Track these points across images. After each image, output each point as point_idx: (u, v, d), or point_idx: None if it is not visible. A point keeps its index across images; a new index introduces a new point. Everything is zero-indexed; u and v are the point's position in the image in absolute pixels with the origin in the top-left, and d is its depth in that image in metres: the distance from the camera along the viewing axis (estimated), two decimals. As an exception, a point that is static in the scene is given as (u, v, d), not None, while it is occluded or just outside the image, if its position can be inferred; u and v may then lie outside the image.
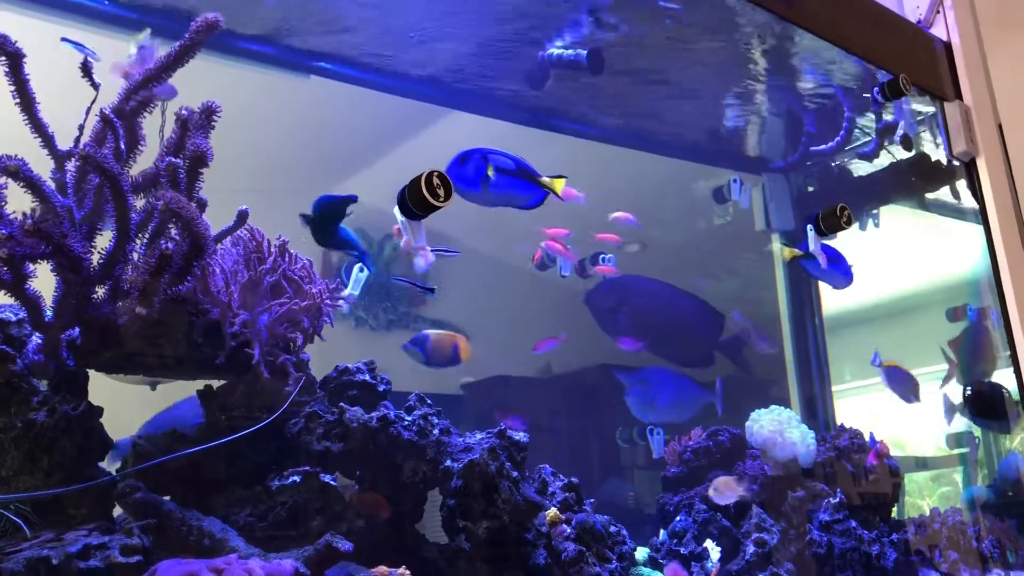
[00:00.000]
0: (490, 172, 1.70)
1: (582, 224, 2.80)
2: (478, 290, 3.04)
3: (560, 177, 1.81)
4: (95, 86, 1.38)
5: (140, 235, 1.42)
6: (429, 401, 1.79)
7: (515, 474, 1.71)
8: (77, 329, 1.39)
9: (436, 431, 1.72)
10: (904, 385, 2.58)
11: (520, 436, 1.78)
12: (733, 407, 2.59)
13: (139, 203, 1.43)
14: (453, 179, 1.37)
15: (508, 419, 2.49)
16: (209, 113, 1.37)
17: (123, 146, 1.37)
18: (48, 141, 1.37)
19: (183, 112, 1.38)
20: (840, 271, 2.24)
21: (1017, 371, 2.31)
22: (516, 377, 3.05)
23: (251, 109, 2.16)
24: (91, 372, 1.44)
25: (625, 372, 2.50)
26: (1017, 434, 2.78)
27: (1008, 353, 2.34)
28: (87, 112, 1.40)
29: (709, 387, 2.60)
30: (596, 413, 3.08)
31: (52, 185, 1.34)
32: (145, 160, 1.45)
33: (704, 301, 2.86)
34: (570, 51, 2.35)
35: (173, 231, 1.42)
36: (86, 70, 1.36)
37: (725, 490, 1.68)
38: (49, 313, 1.36)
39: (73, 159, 1.37)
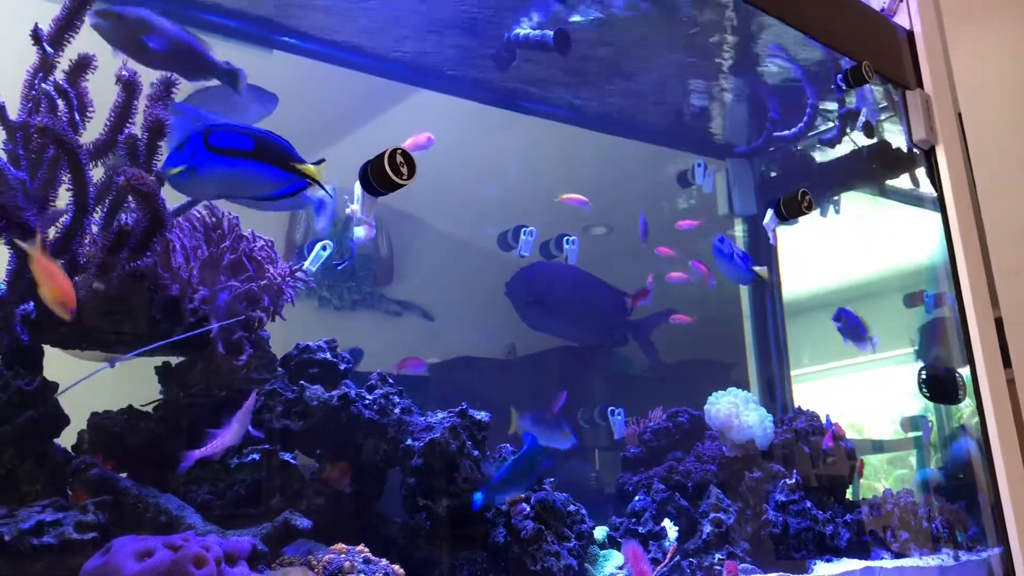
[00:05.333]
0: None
1: (548, 207, 2.81)
2: (443, 270, 3.04)
3: (320, 162, 1.43)
4: (46, 53, 1.35)
5: (97, 207, 1.40)
6: (391, 380, 1.79)
7: (476, 453, 1.72)
8: (32, 303, 1.37)
9: (397, 410, 1.73)
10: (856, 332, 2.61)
11: (481, 415, 1.78)
12: (694, 390, 2.61)
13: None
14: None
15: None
16: (168, 85, 1.35)
17: (77, 116, 1.35)
18: (0, 111, 1.34)
19: (123, 73, 1.34)
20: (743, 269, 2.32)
21: (970, 356, 2.36)
22: (480, 358, 3.06)
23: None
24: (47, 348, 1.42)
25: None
26: (969, 419, 2.84)
27: (962, 339, 2.39)
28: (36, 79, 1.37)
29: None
30: (559, 394, 3.10)
31: (4, 157, 1.31)
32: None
33: (608, 284, 2.85)
34: (536, 32, 2.34)
35: (132, 204, 1.40)
36: (36, 37, 1.33)
37: None
38: (2, 287, 1.34)
39: (29, 129, 1.34)
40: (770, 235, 2.27)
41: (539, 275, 2.66)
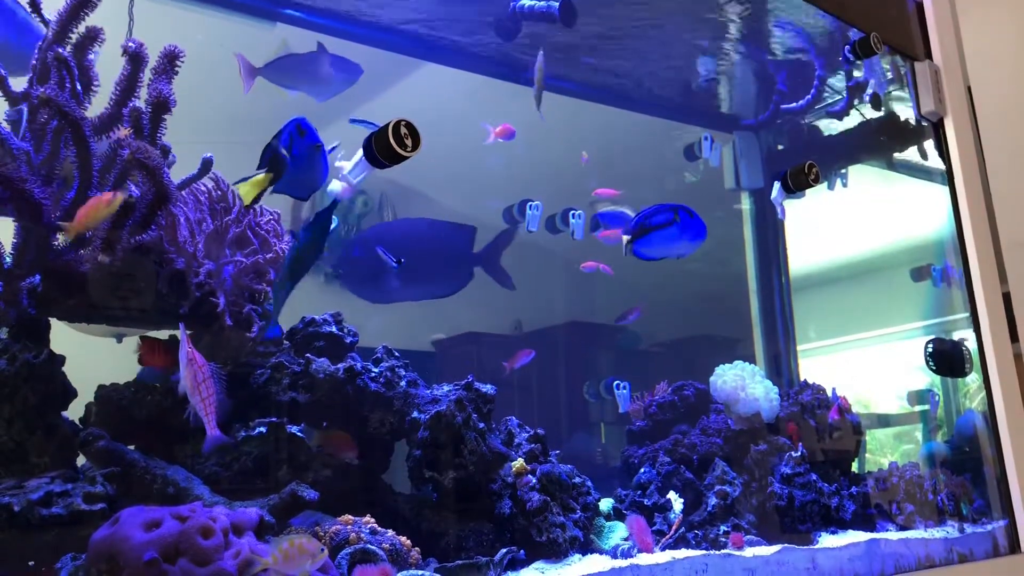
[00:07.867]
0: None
1: (554, 181, 2.80)
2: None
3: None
4: (45, 23, 1.34)
5: (102, 181, 1.40)
6: (397, 353, 1.79)
7: (482, 425, 1.72)
8: (38, 276, 1.37)
9: (403, 383, 1.73)
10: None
11: (487, 388, 1.79)
12: (700, 364, 2.61)
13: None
14: None
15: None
16: (171, 58, 1.34)
17: (80, 87, 1.34)
18: (1, 81, 1.33)
19: (130, 45, 1.33)
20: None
21: (977, 330, 2.35)
22: (486, 334, 3.05)
23: (214, 56, 2.12)
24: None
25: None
26: (976, 393, 2.83)
27: (968, 312, 2.39)
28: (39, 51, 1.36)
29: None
30: (565, 369, 3.10)
31: (8, 127, 1.31)
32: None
33: (445, 221, 2.68)
34: (541, 2, 2.32)
35: (137, 178, 1.40)
36: (35, 6, 1.32)
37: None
38: (8, 259, 1.34)
39: (31, 100, 1.33)
40: (779, 209, 2.26)
41: (366, 246, 2.51)
